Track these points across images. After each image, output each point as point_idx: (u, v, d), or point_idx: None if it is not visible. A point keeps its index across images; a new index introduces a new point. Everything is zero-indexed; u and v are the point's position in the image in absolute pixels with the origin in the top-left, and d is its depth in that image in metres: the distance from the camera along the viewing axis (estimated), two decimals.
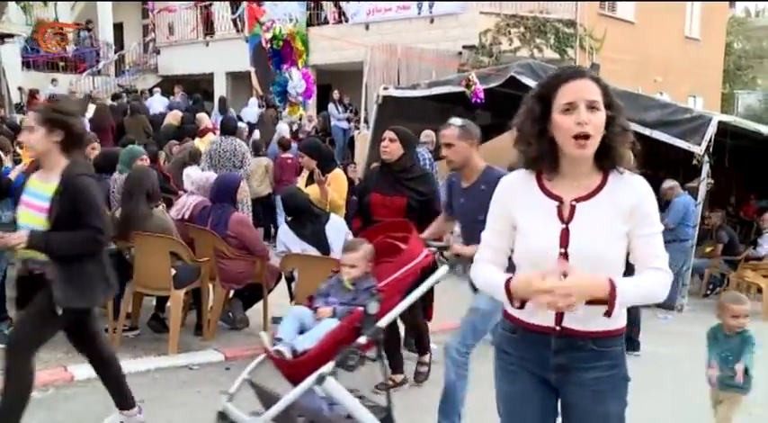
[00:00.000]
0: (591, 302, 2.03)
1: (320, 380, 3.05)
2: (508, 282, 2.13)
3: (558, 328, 2.15)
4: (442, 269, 3.57)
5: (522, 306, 2.14)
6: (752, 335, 3.79)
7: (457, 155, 3.90)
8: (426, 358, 5.05)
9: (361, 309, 3.27)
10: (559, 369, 2.18)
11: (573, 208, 2.14)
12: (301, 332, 3.42)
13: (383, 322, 3.26)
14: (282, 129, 13.37)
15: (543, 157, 2.16)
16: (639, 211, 2.13)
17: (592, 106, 2.06)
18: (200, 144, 9.33)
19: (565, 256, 2.10)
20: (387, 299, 3.30)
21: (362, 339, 3.18)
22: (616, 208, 2.12)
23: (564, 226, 2.13)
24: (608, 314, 2.04)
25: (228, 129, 8.70)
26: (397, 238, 3.71)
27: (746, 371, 3.79)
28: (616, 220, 2.12)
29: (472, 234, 3.87)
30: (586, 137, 2.05)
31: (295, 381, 3.17)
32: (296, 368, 3.21)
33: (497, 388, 2.36)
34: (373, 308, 3.23)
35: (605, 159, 2.14)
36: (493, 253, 2.30)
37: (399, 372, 4.93)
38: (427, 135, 9.28)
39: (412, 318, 4.83)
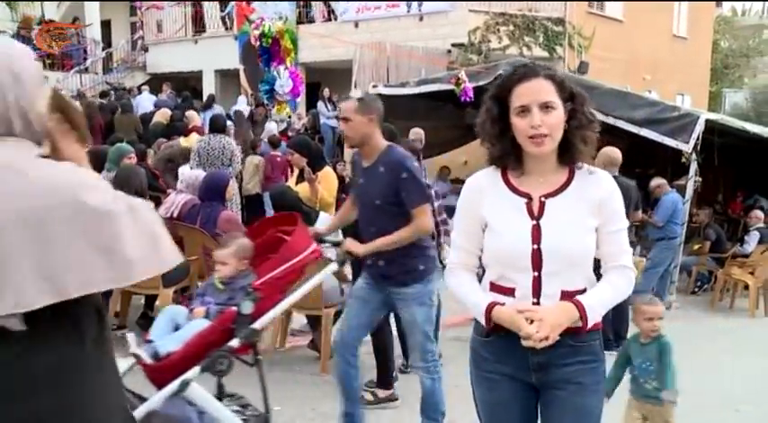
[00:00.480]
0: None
1: (183, 386, 2.83)
2: (490, 308, 2.13)
3: None
4: (330, 266, 3.45)
5: (490, 333, 2.17)
6: (668, 342, 3.56)
7: (354, 130, 3.60)
8: (383, 394, 4.60)
9: (234, 309, 3.03)
10: (540, 368, 2.16)
11: (542, 204, 2.14)
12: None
13: (259, 324, 3.04)
14: (271, 127, 13.36)
15: (507, 156, 2.17)
16: (608, 206, 2.15)
17: (546, 106, 2.06)
18: (185, 142, 9.29)
19: (538, 252, 2.10)
20: (265, 298, 3.06)
21: (235, 342, 2.96)
22: (585, 203, 2.14)
23: (534, 222, 2.12)
24: (584, 327, 2.11)
25: (217, 127, 8.67)
26: (286, 232, 3.45)
27: (669, 382, 3.46)
28: (586, 215, 2.13)
29: (369, 218, 3.67)
30: (543, 136, 2.07)
31: (160, 386, 2.92)
32: (159, 372, 2.96)
33: (476, 394, 2.33)
34: (247, 308, 2.99)
35: (565, 155, 2.16)
36: (465, 256, 2.28)
37: (387, 387, 4.66)
38: (416, 133, 9.27)
39: (376, 337, 4.51)
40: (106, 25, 23.35)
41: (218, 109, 14.76)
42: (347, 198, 4.04)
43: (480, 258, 2.27)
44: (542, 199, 2.14)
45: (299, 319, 5.74)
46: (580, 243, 2.13)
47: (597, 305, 2.13)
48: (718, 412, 4.97)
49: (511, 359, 2.18)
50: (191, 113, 12.24)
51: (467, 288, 2.25)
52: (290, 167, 10.12)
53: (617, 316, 6.15)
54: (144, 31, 22.62)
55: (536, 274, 2.11)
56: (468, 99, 9.89)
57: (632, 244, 8.81)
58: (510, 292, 2.15)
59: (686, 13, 21.23)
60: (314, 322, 5.28)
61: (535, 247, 2.10)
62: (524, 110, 2.07)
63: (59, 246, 1.37)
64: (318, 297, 4.96)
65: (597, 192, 2.15)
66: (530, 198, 2.15)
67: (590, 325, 2.10)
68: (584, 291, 2.14)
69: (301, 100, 15.11)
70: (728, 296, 9.49)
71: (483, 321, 2.16)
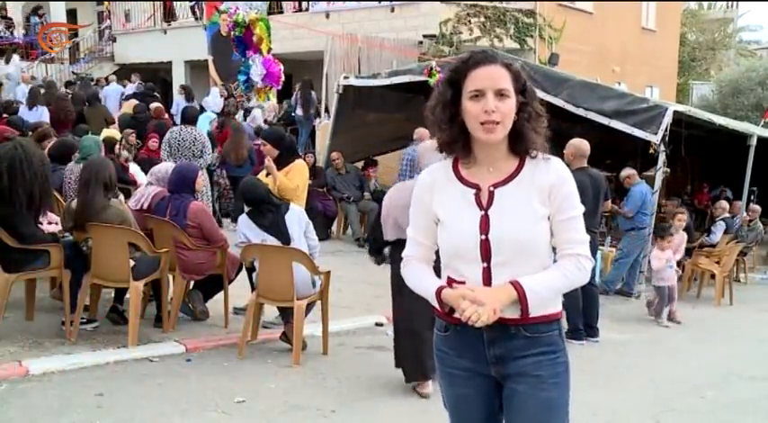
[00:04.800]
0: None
1: None
2: (440, 291, 2.13)
3: None
4: None
5: (451, 312, 2.15)
6: None
7: None
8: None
9: None
10: (498, 361, 2.15)
11: (491, 194, 2.12)
12: None
13: None
14: (256, 115, 13.24)
15: (456, 141, 2.13)
16: (559, 192, 2.11)
17: (501, 94, 2.04)
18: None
19: (486, 242, 2.08)
20: None
21: None
22: (536, 190, 2.11)
23: (483, 212, 2.11)
24: (524, 313, 2.07)
25: (189, 118, 8.59)
26: None
27: None
28: (536, 203, 2.10)
29: None
30: (494, 123, 2.04)
31: None
32: None
33: (441, 389, 2.34)
34: None
35: (517, 145, 2.12)
36: (419, 249, 2.27)
37: None
38: (418, 132, 8.86)
39: None
40: (71, 14, 22.93)
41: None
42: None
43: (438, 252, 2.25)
44: (491, 188, 2.12)
45: (272, 312, 5.71)
46: (529, 231, 2.09)
47: (540, 288, 2.07)
48: (685, 399, 5.06)
49: (469, 353, 2.18)
50: (155, 105, 12.14)
51: (419, 276, 2.25)
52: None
53: (587, 305, 6.22)
54: (111, 20, 22.26)
55: (485, 265, 2.09)
56: None
57: (602, 234, 8.92)
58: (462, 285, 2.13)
59: (654, 6, 21.46)
60: (286, 314, 5.27)
61: (483, 237, 2.09)
62: (478, 94, 2.04)
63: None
64: (290, 289, 4.95)
65: (548, 178, 2.11)
66: (478, 188, 2.13)
67: (531, 308, 2.06)
68: None
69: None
70: (696, 285, 9.66)
71: (436, 305, 2.17)
